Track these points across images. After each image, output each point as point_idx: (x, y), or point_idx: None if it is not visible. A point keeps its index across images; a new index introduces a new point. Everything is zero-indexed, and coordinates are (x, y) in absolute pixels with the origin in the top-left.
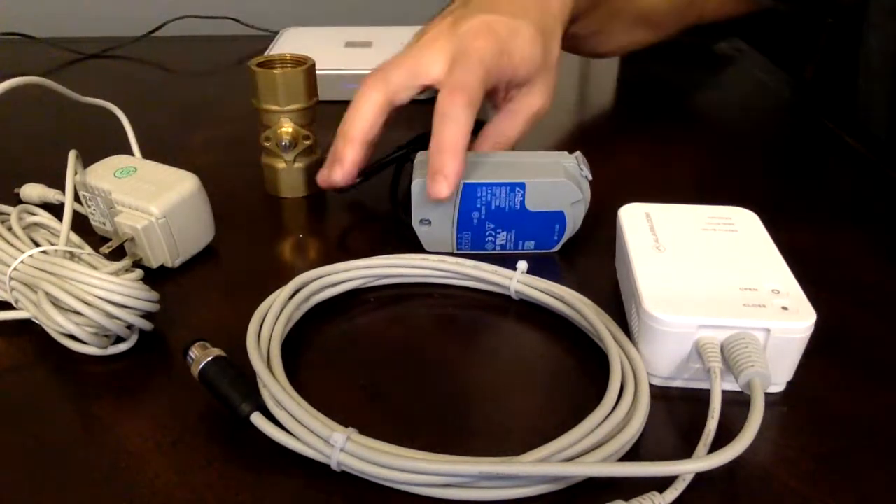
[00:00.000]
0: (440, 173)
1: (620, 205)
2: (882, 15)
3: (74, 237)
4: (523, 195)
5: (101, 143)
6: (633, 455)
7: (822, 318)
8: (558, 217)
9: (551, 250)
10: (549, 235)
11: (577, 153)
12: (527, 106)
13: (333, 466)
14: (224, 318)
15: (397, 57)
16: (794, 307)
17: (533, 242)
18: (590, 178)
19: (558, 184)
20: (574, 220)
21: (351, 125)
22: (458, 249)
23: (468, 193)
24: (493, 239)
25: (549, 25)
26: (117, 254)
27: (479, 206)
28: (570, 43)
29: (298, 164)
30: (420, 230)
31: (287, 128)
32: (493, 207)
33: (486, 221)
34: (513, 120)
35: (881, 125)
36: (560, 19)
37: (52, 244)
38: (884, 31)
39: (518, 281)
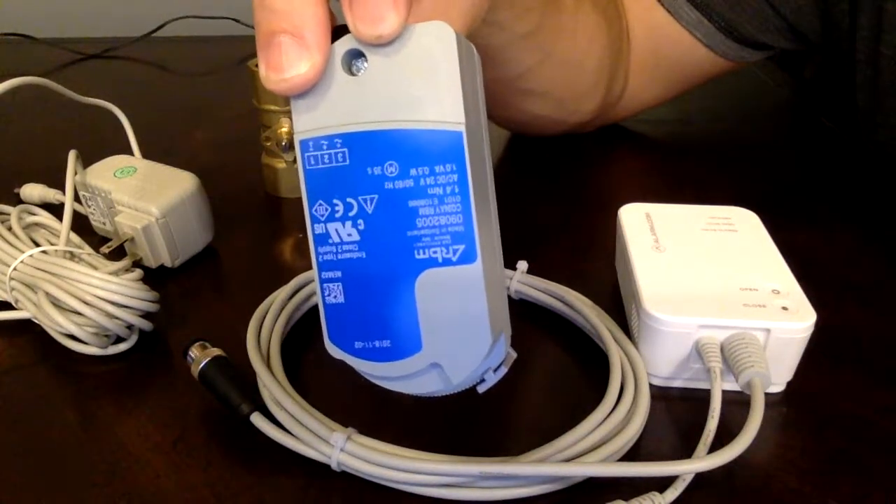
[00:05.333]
0: (290, 33)
1: (620, 205)
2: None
3: (74, 237)
4: None
5: (101, 143)
6: (633, 455)
7: (822, 318)
8: None
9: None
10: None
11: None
12: None
13: (333, 466)
14: (224, 318)
15: None
16: (794, 307)
17: None
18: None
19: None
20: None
21: None
22: None
23: None
24: None
25: None
26: (117, 254)
27: None
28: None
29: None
30: None
31: (287, 128)
32: None
33: None
34: None
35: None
36: None
37: (52, 244)
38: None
39: (518, 281)
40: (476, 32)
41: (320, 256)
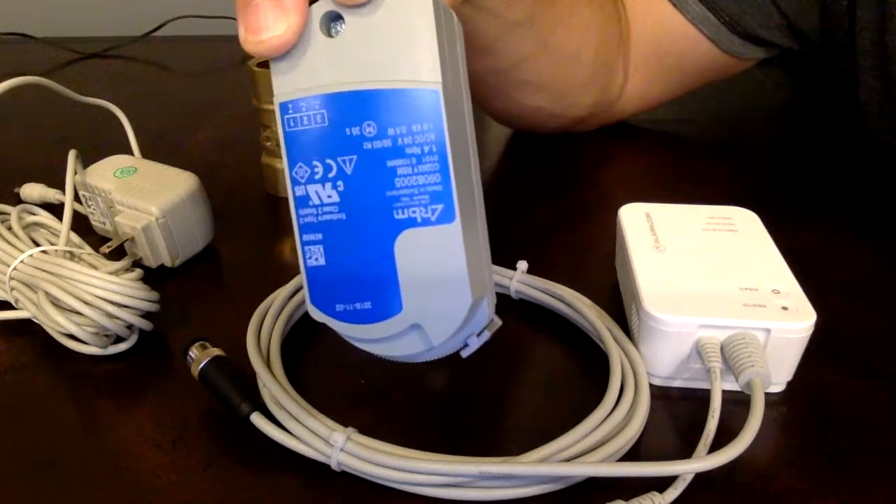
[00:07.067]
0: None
1: (620, 205)
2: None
3: (74, 237)
4: None
5: (101, 143)
6: (633, 455)
7: (822, 318)
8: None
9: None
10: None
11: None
12: None
13: (333, 466)
14: (224, 318)
15: None
16: (794, 307)
17: None
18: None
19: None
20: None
21: None
22: None
23: None
24: None
25: None
26: (117, 254)
27: None
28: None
29: None
30: None
31: None
32: None
33: None
34: None
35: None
36: None
37: (52, 244)
38: None
39: (518, 281)
40: (469, 19)
41: (301, 219)
